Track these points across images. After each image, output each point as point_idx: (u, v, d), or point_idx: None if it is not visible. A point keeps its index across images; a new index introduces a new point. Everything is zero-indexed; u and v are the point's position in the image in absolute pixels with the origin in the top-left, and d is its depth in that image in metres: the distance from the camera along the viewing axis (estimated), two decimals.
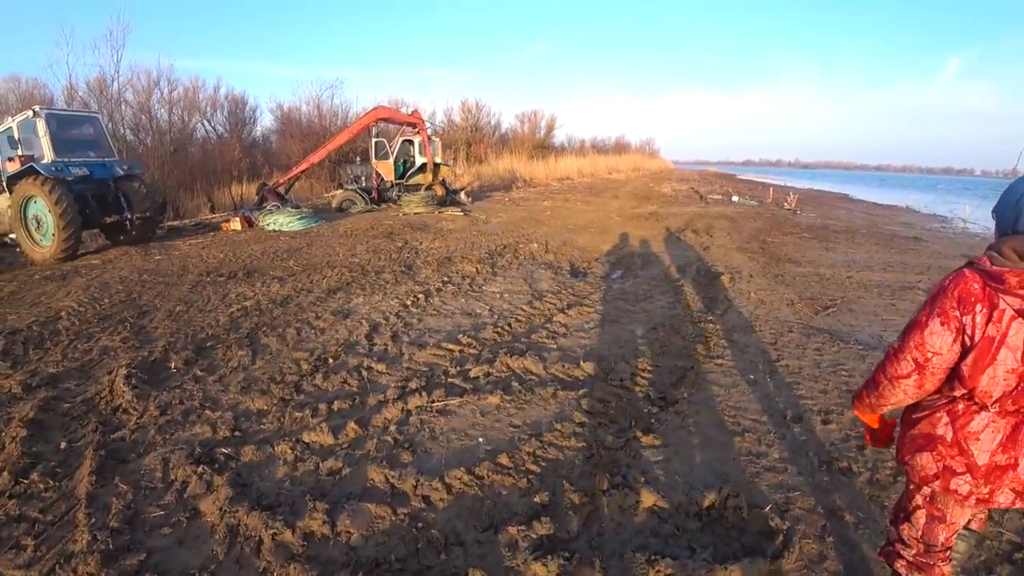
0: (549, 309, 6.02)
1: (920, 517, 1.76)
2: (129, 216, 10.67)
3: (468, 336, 5.19)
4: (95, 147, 10.56)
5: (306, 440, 3.54)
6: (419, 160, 15.66)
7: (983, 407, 1.55)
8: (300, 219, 11.52)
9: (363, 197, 14.64)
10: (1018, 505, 1.60)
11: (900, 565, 1.84)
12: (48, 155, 9.72)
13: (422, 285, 7.13)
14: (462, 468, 3.08)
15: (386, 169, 15.37)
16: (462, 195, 16.79)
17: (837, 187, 45.11)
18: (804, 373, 4.45)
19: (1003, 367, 1.47)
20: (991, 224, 1.69)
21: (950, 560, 1.80)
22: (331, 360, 4.85)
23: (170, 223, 13.94)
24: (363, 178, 15.43)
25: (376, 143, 15.24)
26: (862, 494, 2.90)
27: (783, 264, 9.42)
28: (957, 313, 1.50)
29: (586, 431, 3.47)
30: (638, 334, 5.22)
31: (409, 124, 15.49)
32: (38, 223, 9.72)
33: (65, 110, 10.55)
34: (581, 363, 4.45)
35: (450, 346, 5.00)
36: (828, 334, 5.49)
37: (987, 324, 1.47)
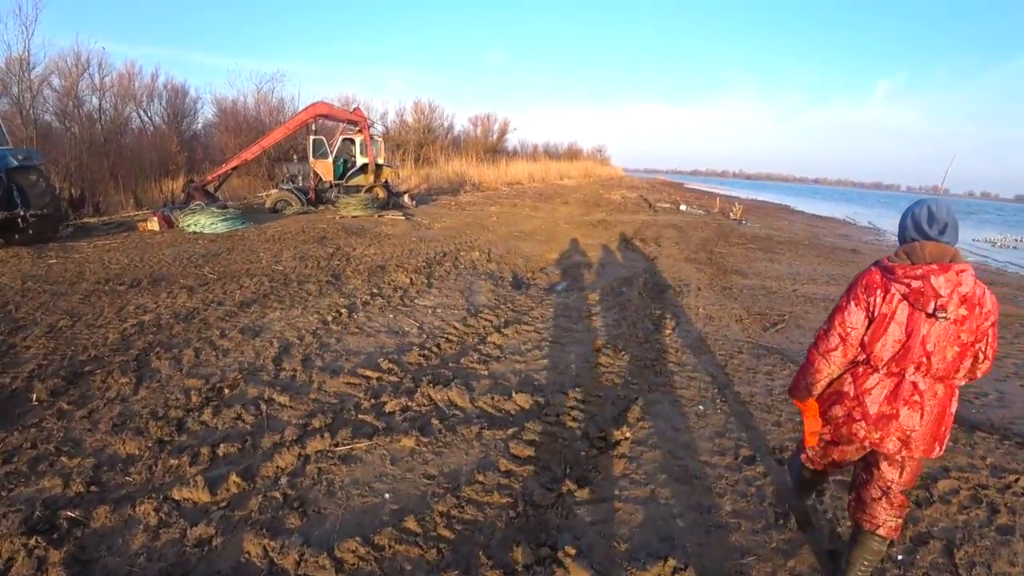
0: (484, 327, 5.50)
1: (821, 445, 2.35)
2: (22, 213, 9.42)
3: (390, 360, 4.59)
4: None
5: (176, 497, 2.88)
6: (360, 160, 14.84)
7: (875, 369, 2.02)
8: (224, 220, 10.55)
9: (299, 198, 13.70)
10: (904, 453, 2.04)
11: (803, 457, 2.48)
12: None
13: (348, 298, 6.48)
14: (359, 537, 2.51)
15: (324, 169, 14.47)
16: (405, 198, 16.07)
17: (778, 198, 46.84)
18: (756, 402, 4.10)
19: (892, 337, 1.95)
20: None
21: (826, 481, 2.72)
22: (227, 390, 4.17)
23: (83, 221, 12.60)
24: (300, 177, 14.47)
25: (314, 141, 14.31)
26: (824, 556, 2.51)
27: (730, 276, 9.27)
28: (864, 296, 1.99)
29: (513, 482, 2.96)
30: (579, 357, 4.77)
31: (350, 122, 14.67)
32: None
33: None
34: (513, 394, 3.95)
35: (368, 372, 4.39)
36: (778, 354, 5.21)
37: (882, 304, 1.95)
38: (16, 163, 9.36)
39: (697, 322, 6.03)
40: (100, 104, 24.35)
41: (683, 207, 22.93)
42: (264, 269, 7.85)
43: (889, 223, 28.20)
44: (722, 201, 26.50)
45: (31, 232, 9.68)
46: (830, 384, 2.14)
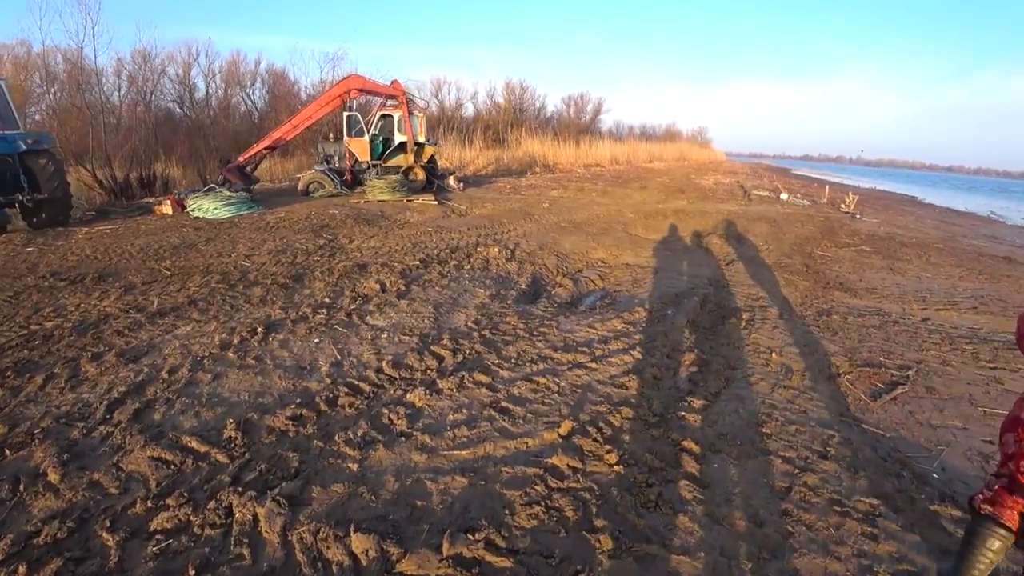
0: (422, 372, 3.74)
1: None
2: (30, 196, 8.93)
3: (242, 426, 3.03)
4: None
5: None
6: (398, 138, 13.45)
7: None
8: (229, 205, 9.57)
9: (333, 179, 12.58)
10: None
11: (978, 499, 1.89)
12: None
13: (287, 309, 4.98)
14: None
15: (360, 148, 13.23)
16: (451, 180, 14.51)
17: (903, 188, 40.49)
18: None
19: None
20: None
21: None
22: (7, 451, 2.82)
23: (127, 203, 12.29)
24: (336, 158, 13.36)
25: (348, 118, 13.07)
26: None
27: (832, 293, 6.80)
28: None
29: None
30: (526, 453, 2.86)
31: (389, 96, 13.29)
32: None
33: None
34: (351, 534, 2.20)
35: (193, 444, 2.89)
36: (896, 462, 3.03)
37: None
38: (25, 147, 8.87)
39: (763, 380, 3.89)
40: (207, 90, 25.96)
41: (784, 196, 19.62)
42: (227, 264, 6.58)
43: None
44: (832, 190, 22.60)
45: (43, 216, 9.25)
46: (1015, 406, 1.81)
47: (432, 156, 14.14)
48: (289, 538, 2.25)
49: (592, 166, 27.64)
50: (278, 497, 2.44)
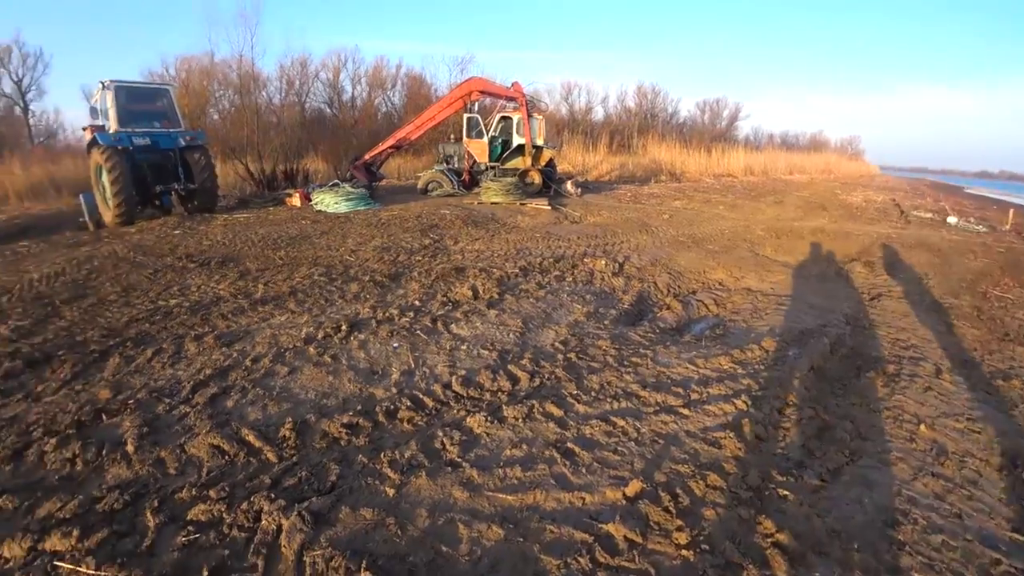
0: (491, 395, 3.45)
1: None
2: (181, 186, 10.20)
3: (298, 427, 3.01)
4: (163, 118, 10.20)
5: None
6: (516, 140, 13.36)
7: None
8: (348, 201, 10.07)
9: (451, 179, 12.82)
10: None
11: None
12: (112, 125, 9.53)
13: (372, 309, 4.97)
14: None
15: (479, 149, 13.34)
16: (568, 185, 14.14)
17: None
18: None
19: None
20: None
21: None
22: (104, 416, 3.15)
23: (269, 193, 13.57)
24: (455, 158, 13.62)
25: (468, 120, 13.23)
26: None
27: (1013, 348, 5.47)
28: None
29: None
30: (588, 514, 2.43)
31: (509, 98, 13.25)
32: (105, 189, 9.56)
33: (136, 82, 10.37)
34: (361, 572, 1.97)
35: (251, 438, 2.92)
36: None
37: None
38: (184, 143, 10.09)
39: (903, 461, 3.09)
40: (353, 92, 28.69)
41: (952, 219, 16.77)
42: (333, 258, 6.82)
43: None
44: (1018, 213, 18.93)
45: (195, 203, 10.48)
46: None
47: (551, 160, 13.91)
48: (303, 559, 2.10)
49: (723, 176, 25.79)
50: (304, 512, 2.30)
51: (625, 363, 3.97)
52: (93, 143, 9.59)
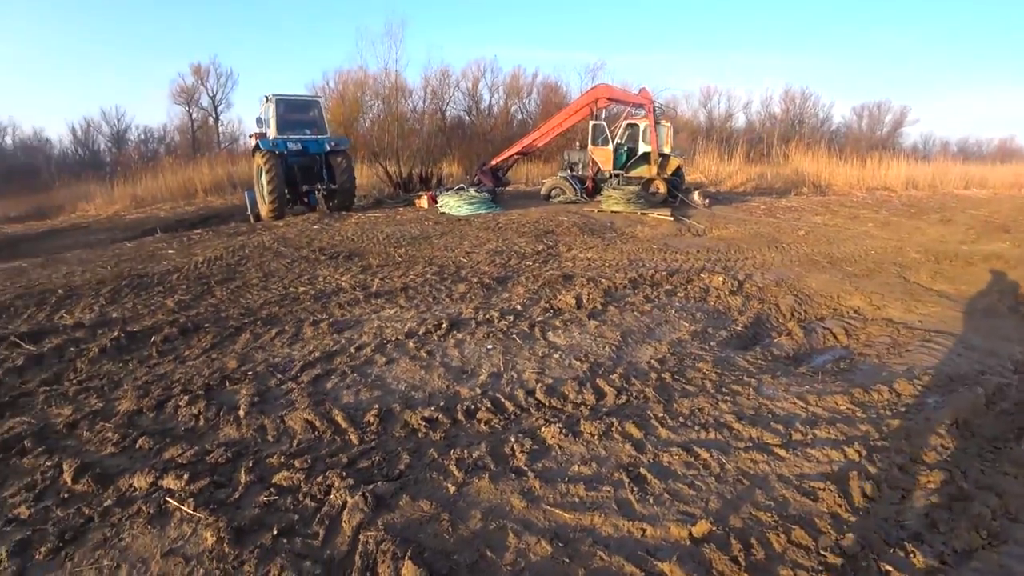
0: (575, 407, 3.36)
1: None
2: (324, 186, 11.35)
3: (383, 415, 3.22)
4: (313, 126, 11.43)
5: None
6: (642, 148, 12.93)
7: None
8: (471, 204, 10.46)
9: (573, 186, 12.79)
10: None
11: None
12: (272, 133, 10.89)
13: (474, 310, 5.11)
14: None
15: (603, 157, 13.11)
16: (696, 195, 13.40)
17: None
18: None
19: None
20: None
21: None
22: (227, 383, 3.71)
23: (397, 195, 14.64)
24: (580, 166, 13.53)
25: (594, 127, 13.05)
26: None
27: None
28: None
29: None
30: (645, 548, 2.24)
31: (636, 105, 12.87)
32: (263, 187, 10.97)
33: (292, 95, 11.67)
34: (405, 560, 2.01)
35: (340, 419, 3.19)
36: None
37: None
38: (329, 148, 11.24)
39: None
40: (490, 100, 30.19)
41: None
42: (447, 259, 7.13)
43: None
44: None
45: (335, 202, 11.62)
46: None
47: (678, 168, 13.31)
48: (359, 536, 2.23)
49: (878, 190, 22.83)
50: (368, 494, 2.43)
51: (724, 390, 3.66)
52: (256, 148, 11.03)
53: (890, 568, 2.18)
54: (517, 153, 13.73)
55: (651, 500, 2.51)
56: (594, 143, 13.19)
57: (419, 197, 11.90)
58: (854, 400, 3.49)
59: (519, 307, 5.26)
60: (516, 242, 8.13)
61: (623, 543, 2.25)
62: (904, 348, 4.62)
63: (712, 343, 4.62)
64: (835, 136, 36.77)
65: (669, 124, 13.87)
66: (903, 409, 3.46)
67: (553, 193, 13.03)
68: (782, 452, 2.87)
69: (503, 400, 3.43)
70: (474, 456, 2.80)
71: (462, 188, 11.55)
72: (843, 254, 8.82)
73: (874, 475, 2.74)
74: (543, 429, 3.06)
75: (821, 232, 11.12)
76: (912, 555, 2.32)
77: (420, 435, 3.03)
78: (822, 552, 2.23)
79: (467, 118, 30.18)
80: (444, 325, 4.65)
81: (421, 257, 7.21)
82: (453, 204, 10.44)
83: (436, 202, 11.29)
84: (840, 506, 2.53)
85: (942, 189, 25.25)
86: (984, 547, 2.44)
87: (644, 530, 2.32)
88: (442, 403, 3.40)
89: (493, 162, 13.69)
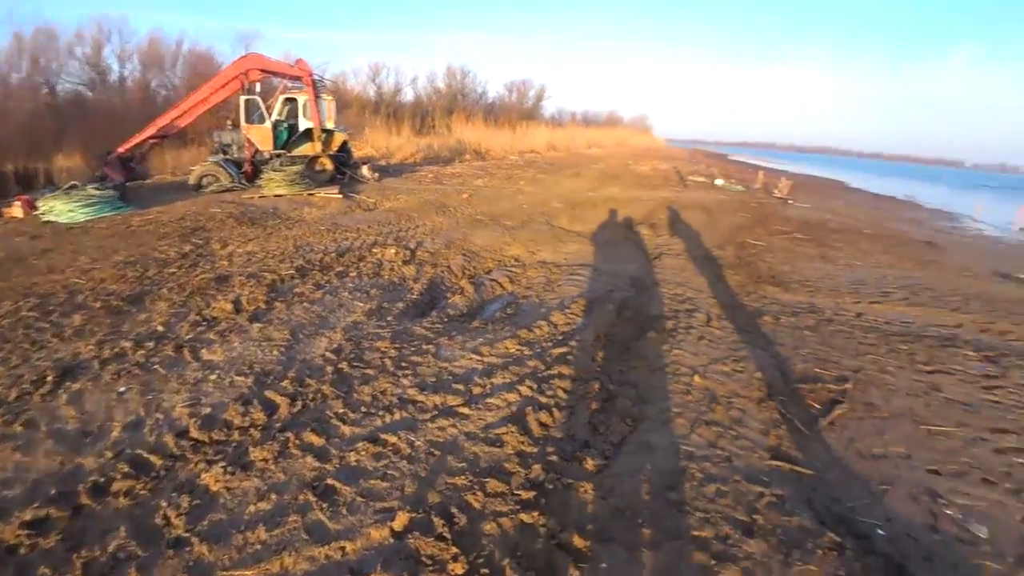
0: (241, 434, 2.81)
1: None
2: None
3: None
4: None
5: None
6: (303, 125, 12.16)
7: None
8: (88, 206, 8.16)
9: (229, 171, 11.19)
10: None
11: None
12: None
13: (97, 346, 3.90)
14: None
15: (260, 136, 11.85)
16: (364, 170, 13.32)
17: (832, 173, 41.87)
18: None
19: None
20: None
21: None
22: None
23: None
24: (234, 147, 11.95)
25: (246, 103, 11.61)
26: None
27: (765, 288, 6.28)
28: None
29: None
30: (349, 567, 2.02)
31: (293, 78, 11.97)
32: None
33: None
34: None
35: None
36: (836, 524, 2.39)
37: None
38: None
39: (681, 416, 3.18)
40: (121, 72, 23.62)
41: (719, 181, 19.53)
42: (55, 284, 5.35)
43: (961, 205, 23.86)
44: (766, 175, 22.75)
45: None
46: None
47: (344, 144, 12.87)
48: None
49: (527, 153, 26.88)
50: None
51: (403, 364, 3.58)
52: None
53: (571, 480, 2.40)
54: (153, 137, 11.22)
55: (344, 512, 2.23)
56: (249, 121, 11.68)
57: (9, 205, 8.69)
58: (521, 340, 3.83)
59: (161, 328, 4.25)
60: (155, 246, 6.62)
61: (324, 574, 1.92)
62: (556, 284, 5.36)
63: (389, 318, 4.52)
64: (491, 109, 41.25)
65: (331, 98, 13.21)
66: (560, 337, 3.96)
67: (204, 181, 11.15)
68: (466, 410, 2.92)
69: (147, 455, 2.66)
70: (111, 548, 2.06)
71: (74, 186, 8.84)
72: (502, 211, 9.91)
73: (545, 404, 3.02)
74: (204, 475, 2.46)
75: (483, 194, 12.31)
76: (584, 461, 2.61)
77: (23, 553, 2.10)
78: (516, 492, 2.32)
79: (89, 94, 23.33)
80: (50, 378, 3.42)
81: (9, 289, 5.22)
82: (62, 209, 7.92)
83: (35, 208, 8.43)
84: (523, 443, 2.69)
85: (574, 150, 31.08)
86: (631, 432, 2.92)
87: (343, 548, 2.03)
88: (54, 491, 2.44)
89: (121, 150, 10.89)
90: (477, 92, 43.37)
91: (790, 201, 15.58)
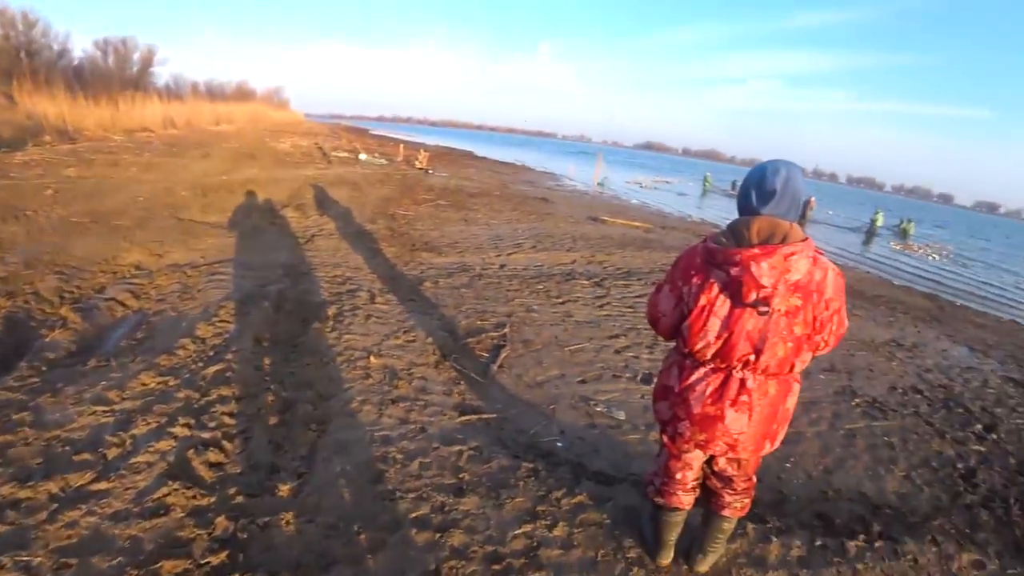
0: None
1: (664, 455, 1.93)
2: None
3: None
4: None
5: None
6: None
7: (701, 363, 1.68)
8: None
9: None
10: (731, 457, 1.79)
11: (650, 491, 2.00)
12: None
13: None
14: None
15: None
16: None
17: (462, 144, 47.37)
18: None
19: (712, 331, 1.61)
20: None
21: (693, 493, 1.93)
22: None
23: None
24: None
25: None
26: None
27: (420, 255, 6.65)
28: (680, 282, 1.68)
29: None
30: None
31: None
32: None
33: None
34: None
35: None
36: (527, 453, 2.71)
37: (700, 293, 1.61)
38: None
39: (367, 402, 3.08)
40: None
41: (363, 156, 19.77)
42: None
43: (557, 167, 30.57)
44: (407, 148, 24.16)
45: None
46: (659, 375, 1.86)
47: None
48: None
49: (137, 131, 22.00)
50: None
51: None
52: None
53: (267, 518, 2.06)
54: None
55: None
56: None
57: None
58: (162, 369, 3.08)
59: None
60: None
61: None
62: (196, 289, 4.52)
63: None
64: (79, 74, 31.85)
65: None
66: (212, 353, 3.35)
67: None
68: (103, 485, 2.18)
69: None
70: None
71: None
72: (110, 207, 7.85)
73: (211, 439, 2.51)
74: None
75: (77, 187, 9.50)
76: (276, 489, 2.28)
77: None
78: (203, 562, 1.85)
79: None
80: None
81: None
82: None
83: None
84: (195, 497, 2.18)
85: (198, 127, 26.65)
86: (320, 437, 2.68)
87: None
88: None
89: None
90: (54, 50, 33.06)
91: (430, 171, 16.93)
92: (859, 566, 2.24)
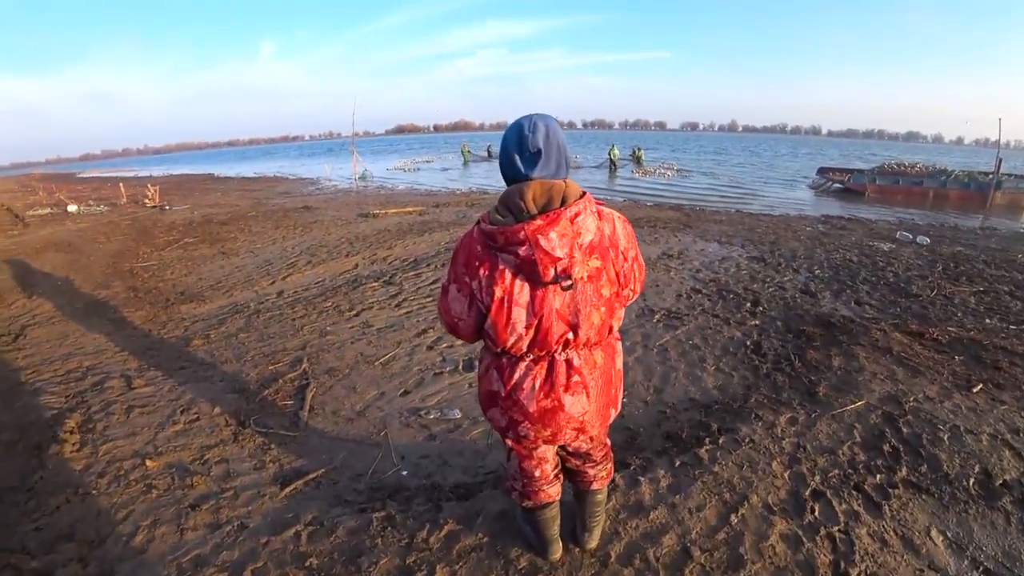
0: None
1: (514, 458, 1.81)
2: None
3: None
4: None
5: None
6: None
7: (521, 358, 1.52)
8: None
9: None
10: (583, 438, 1.70)
11: (515, 496, 1.89)
12: None
13: None
14: None
15: None
16: None
17: (198, 168, 41.69)
18: None
19: (520, 323, 1.44)
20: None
21: (557, 481, 1.86)
22: None
23: None
24: None
25: None
26: None
27: (178, 309, 5.59)
28: (467, 278, 1.46)
29: None
30: None
31: None
32: None
33: None
34: None
35: None
36: (372, 497, 2.36)
37: (493, 286, 1.41)
38: None
39: (156, 524, 2.42)
40: None
41: (73, 208, 16.08)
42: None
43: (312, 170, 28.69)
44: (129, 186, 20.35)
45: None
46: (479, 381, 1.68)
47: None
48: None
49: None
50: None
51: None
52: None
53: None
54: None
55: None
56: None
57: None
58: None
59: None
60: None
61: None
62: None
63: None
64: None
65: None
66: None
67: None
68: None
69: None
70: None
71: None
72: None
73: None
74: None
75: None
76: None
77: None
78: None
79: None
80: None
81: None
82: None
83: None
84: None
85: None
86: None
87: None
88: None
89: None
90: None
91: (166, 207, 14.51)
92: (716, 468, 2.43)
